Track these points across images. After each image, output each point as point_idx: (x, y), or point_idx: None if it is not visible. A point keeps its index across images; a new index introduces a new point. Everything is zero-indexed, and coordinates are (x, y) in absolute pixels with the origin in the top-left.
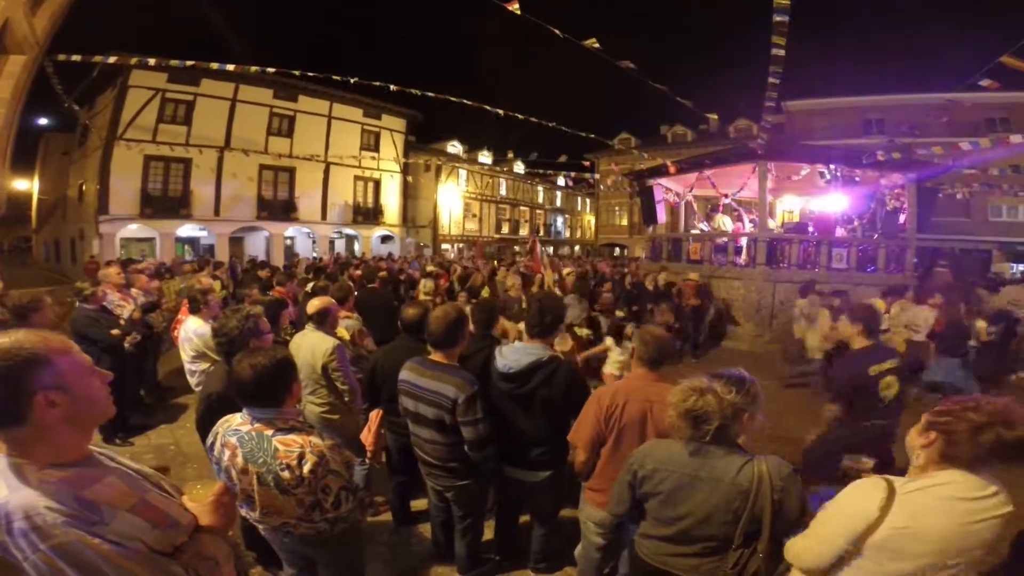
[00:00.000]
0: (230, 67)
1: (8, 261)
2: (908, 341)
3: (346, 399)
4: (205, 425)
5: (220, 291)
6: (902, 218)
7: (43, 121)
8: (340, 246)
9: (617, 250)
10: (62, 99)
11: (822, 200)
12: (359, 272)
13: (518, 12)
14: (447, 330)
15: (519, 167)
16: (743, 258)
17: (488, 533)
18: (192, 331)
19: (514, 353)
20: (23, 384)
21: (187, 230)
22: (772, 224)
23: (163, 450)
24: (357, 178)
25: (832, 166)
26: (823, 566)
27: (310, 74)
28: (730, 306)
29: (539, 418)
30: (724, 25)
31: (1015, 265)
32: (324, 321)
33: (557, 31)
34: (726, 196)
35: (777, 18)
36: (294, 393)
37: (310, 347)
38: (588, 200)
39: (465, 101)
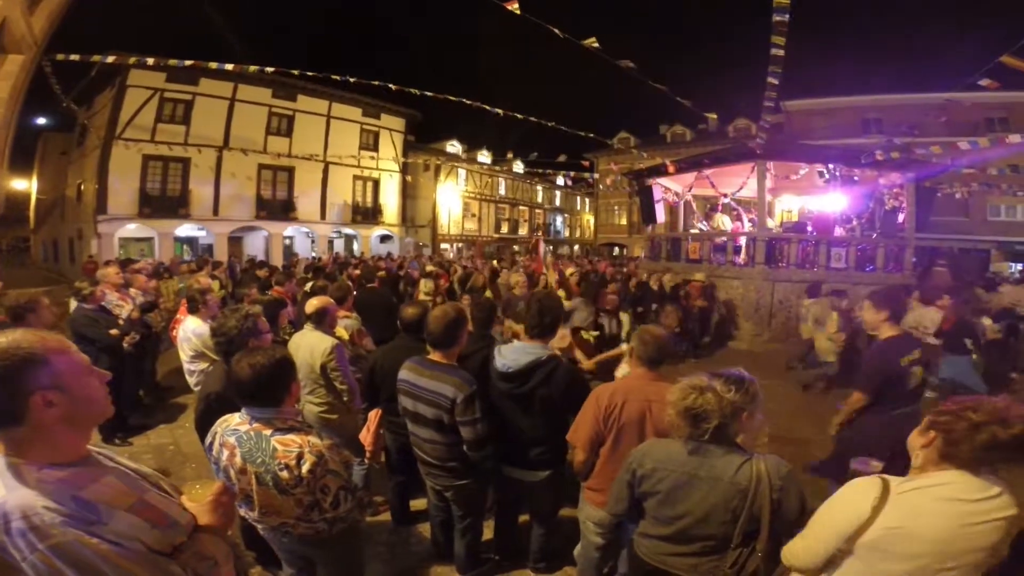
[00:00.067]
0: (229, 66)
1: (6, 261)
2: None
3: (345, 399)
4: (204, 425)
5: (219, 291)
6: (901, 217)
7: (41, 121)
8: (339, 246)
9: (616, 249)
10: (60, 99)
11: (821, 199)
12: (358, 272)
13: (517, 12)
14: (446, 330)
15: (518, 167)
16: (742, 257)
17: (487, 533)
18: (191, 331)
19: (513, 352)
20: (20, 384)
21: (186, 230)
22: (771, 223)
23: (162, 450)
24: (356, 178)
25: (831, 166)
26: (816, 565)
27: (309, 73)
28: (734, 308)
29: (538, 417)
30: (723, 25)
31: (1014, 264)
32: (322, 321)
33: (556, 31)
34: (725, 195)
35: (776, 18)
36: (293, 393)
37: (309, 347)
38: (587, 200)
39: (464, 100)
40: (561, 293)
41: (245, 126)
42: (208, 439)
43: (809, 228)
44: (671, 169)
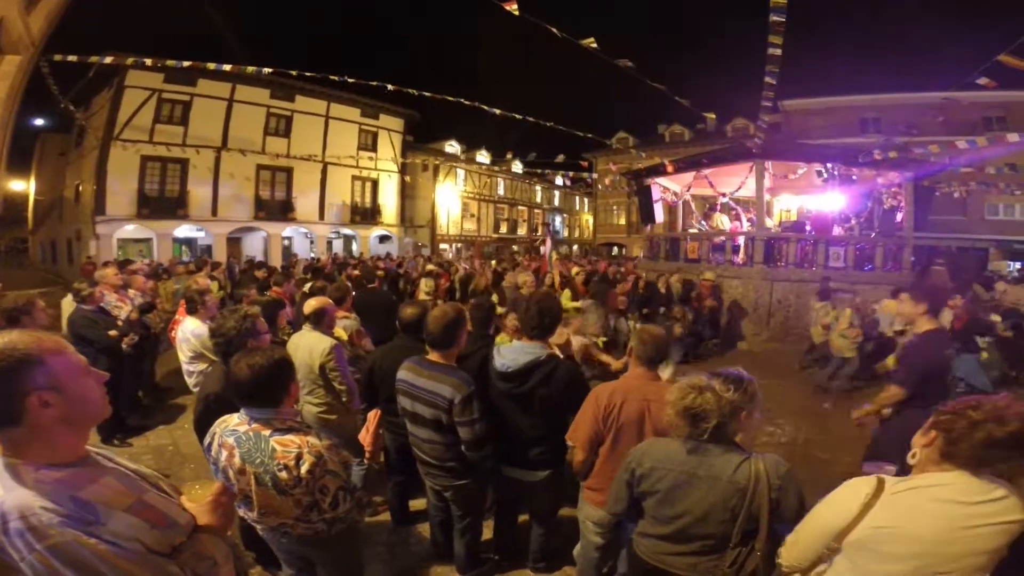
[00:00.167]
0: (227, 67)
1: (4, 262)
2: None
3: (344, 399)
4: (203, 425)
5: (217, 291)
6: (899, 216)
7: (39, 122)
8: (338, 246)
9: (615, 249)
10: (58, 99)
11: (819, 199)
12: (357, 272)
13: (516, 12)
14: (445, 330)
15: (517, 167)
16: (741, 257)
17: (487, 533)
18: (190, 332)
19: (512, 352)
20: (16, 385)
21: (184, 230)
22: (770, 223)
23: (161, 451)
24: (355, 178)
25: (829, 165)
26: (804, 563)
27: (307, 74)
28: (742, 310)
29: (537, 417)
30: (721, 24)
31: (1012, 263)
32: (321, 321)
33: (555, 30)
34: (724, 195)
35: (774, 17)
36: (292, 393)
37: (307, 347)
38: (586, 199)
39: (463, 101)
40: (567, 293)
41: (243, 127)
42: (207, 440)
43: (808, 227)
44: (670, 169)
